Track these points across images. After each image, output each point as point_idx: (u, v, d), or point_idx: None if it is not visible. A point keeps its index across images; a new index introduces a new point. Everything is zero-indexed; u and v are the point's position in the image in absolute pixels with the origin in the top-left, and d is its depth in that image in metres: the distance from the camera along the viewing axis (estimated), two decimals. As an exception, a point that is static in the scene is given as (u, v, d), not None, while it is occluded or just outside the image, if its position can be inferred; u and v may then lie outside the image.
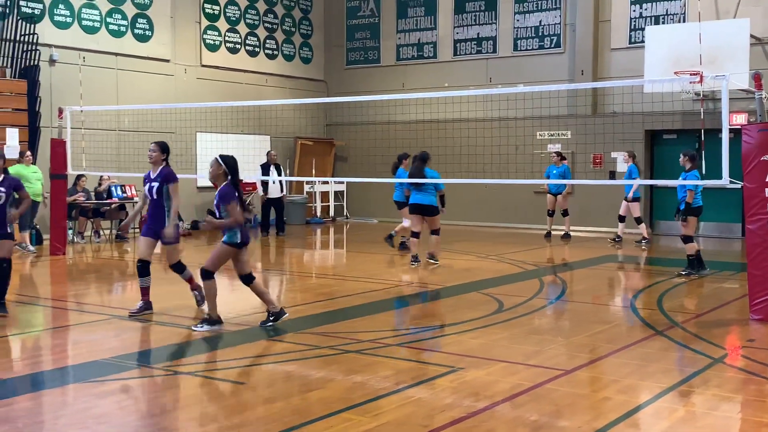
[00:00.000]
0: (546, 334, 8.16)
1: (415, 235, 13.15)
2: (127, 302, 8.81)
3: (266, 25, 21.86)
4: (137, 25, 18.60)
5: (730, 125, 9.29)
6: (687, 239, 11.92)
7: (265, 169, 17.98)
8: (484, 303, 9.89)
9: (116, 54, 18.11)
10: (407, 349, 7.31)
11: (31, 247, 14.51)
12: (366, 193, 22.21)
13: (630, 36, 19.03)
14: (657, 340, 7.80)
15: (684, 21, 17.88)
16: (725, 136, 9.09)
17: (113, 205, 16.67)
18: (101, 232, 16.82)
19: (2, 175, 8.39)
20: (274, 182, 17.96)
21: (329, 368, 6.64)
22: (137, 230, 15.12)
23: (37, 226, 15.49)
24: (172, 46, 19.37)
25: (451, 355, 7.18)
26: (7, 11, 16.10)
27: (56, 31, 17.02)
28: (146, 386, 6.30)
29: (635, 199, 16.00)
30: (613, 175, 18.88)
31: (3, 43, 16.12)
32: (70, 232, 15.80)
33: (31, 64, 16.06)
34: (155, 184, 8.63)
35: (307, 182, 21.48)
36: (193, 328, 7.95)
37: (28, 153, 14.82)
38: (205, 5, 20.20)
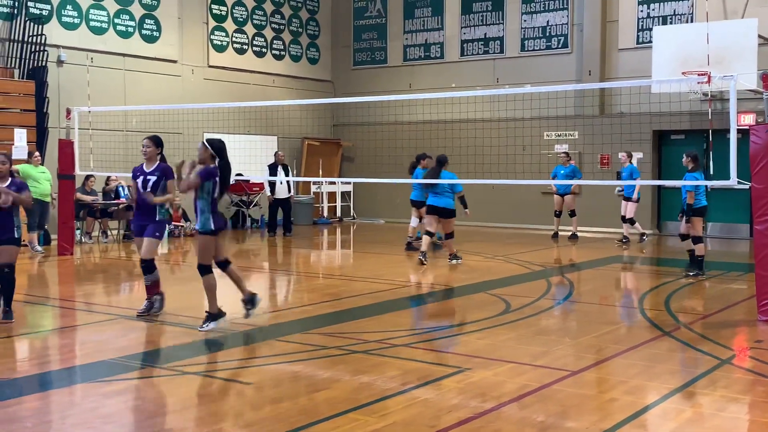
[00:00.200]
0: (553, 334, 8.15)
1: (429, 234, 13.28)
2: (134, 302, 8.83)
3: (273, 25, 21.89)
4: (145, 26, 18.65)
5: (738, 126, 9.26)
6: (696, 240, 11.87)
7: (272, 170, 17.99)
8: (491, 303, 9.88)
9: (124, 55, 18.16)
10: (414, 350, 7.30)
11: (39, 248, 14.55)
12: (373, 193, 22.22)
13: (637, 36, 18.99)
14: (664, 341, 7.78)
15: (692, 21, 17.83)
16: (733, 137, 9.07)
17: (121, 206, 16.71)
18: (109, 233, 16.86)
19: (9, 179, 8.28)
20: (281, 183, 17.97)
21: (336, 368, 6.64)
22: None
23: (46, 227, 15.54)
24: (180, 46, 19.41)
25: (457, 355, 7.18)
26: (15, 12, 16.16)
27: (64, 32, 17.07)
28: (153, 386, 6.31)
29: (635, 200, 15.97)
30: (620, 175, 18.82)
31: (11, 44, 16.18)
32: (77, 232, 15.85)
33: (39, 64, 16.11)
34: (152, 178, 8.55)
35: (314, 183, 21.50)
36: (199, 329, 7.96)
37: (37, 153, 14.87)
38: (213, 6, 20.23)
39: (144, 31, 18.63)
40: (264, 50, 21.60)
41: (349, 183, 22.35)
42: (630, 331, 8.36)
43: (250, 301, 8.28)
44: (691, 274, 11.76)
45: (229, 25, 20.65)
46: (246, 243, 17.51)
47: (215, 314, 8.05)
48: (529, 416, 5.44)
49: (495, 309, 9.44)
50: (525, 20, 20.52)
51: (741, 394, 6.03)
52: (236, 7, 20.84)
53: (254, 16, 21.35)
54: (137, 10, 18.49)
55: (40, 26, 16.14)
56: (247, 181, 19.13)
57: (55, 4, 16.94)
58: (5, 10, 16.14)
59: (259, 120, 20.40)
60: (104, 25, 17.84)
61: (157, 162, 8.75)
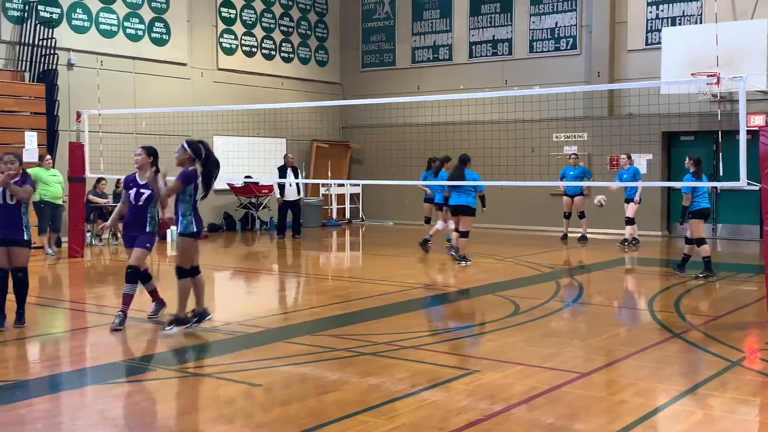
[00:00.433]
0: (562, 336, 8.14)
1: (463, 234, 13.45)
2: (144, 305, 8.85)
3: (282, 28, 21.94)
4: (154, 29, 18.71)
5: (747, 127, 9.25)
6: (699, 242, 11.84)
7: (282, 172, 18.02)
8: (500, 305, 9.88)
9: (133, 58, 18.23)
10: (423, 352, 7.31)
11: (50, 250, 14.61)
12: (381, 195, 22.23)
13: (646, 37, 18.96)
14: (674, 342, 7.77)
15: (701, 22, 17.79)
16: (743, 138, 9.05)
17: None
18: (119, 235, 16.89)
19: (19, 177, 8.13)
20: (291, 185, 18.00)
21: (345, 370, 6.65)
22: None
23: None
24: (189, 49, 19.47)
25: (467, 357, 7.18)
26: (26, 16, 16.25)
27: (74, 36, 17.15)
28: (163, 388, 6.33)
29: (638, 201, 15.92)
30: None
31: (22, 47, 16.27)
32: (88, 234, 15.91)
33: (50, 68, 16.18)
34: (145, 192, 8.30)
35: (323, 185, 21.52)
36: (162, 330, 7.91)
37: (48, 156, 14.92)
38: (222, 9, 20.29)
39: (153, 35, 18.70)
40: (273, 53, 21.65)
41: (357, 185, 22.38)
42: (640, 332, 8.34)
43: (200, 315, 8.11)
44: (701, 275, 11.73)
45: (238, 28, 20.70)
46: (255, 245, 17.55)
47: (182, 320, 7.97)
48: (539, 418, 5.44)
49: (504, 311, 9.43)
50: (533, 22, 20.51)
51: (751, 396, 6.01)
52: (245, 10, 20.90)
53: (263, 19, 21.40)
54: (147, 14, 18.56)
55: (51, 30, 16.21)
56: (257, 183, 19.17)
57: (65, 8, 17.03)
58: (16, 13, 16.23)
59: (268, 122, 20.44)
60: (114, 29, 17.92)
61: (151, 172, 8.40)
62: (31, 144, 15.44)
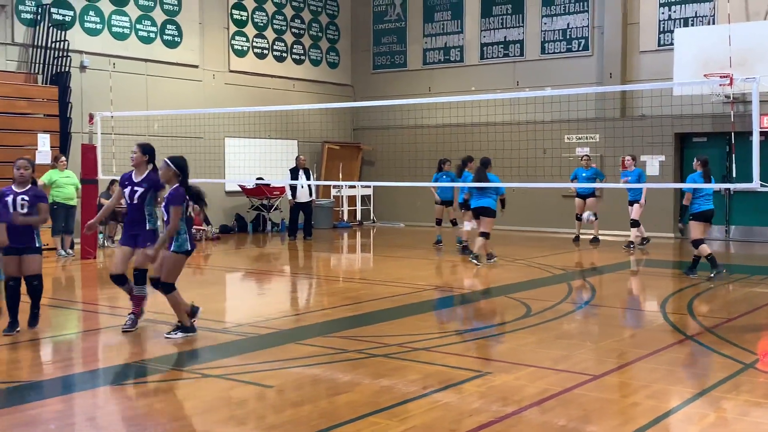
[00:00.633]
0: (574, 338, 8.11)
1: (485, 235, 13.53)
2: (157, 305, 8.87)
3: (293, 30, 21.97)
4: (166, 32, 18.78)
5: (760, 128, 9.21)
6: (695, 243, 11.87)
7: (294, 174, 18.05)
8: (512, 307, 9.86)
9: (146, 60, 18.30)
10: (435, 353, 7.30)
11: (62, 251, 14.68)
12: (393, 197, 22.23)
13: (659, 38, 18.89)
14: (687, 344, 7.74)
15: (713, 23, 17.73)
16: (756, 139, 9.01)
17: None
18: (114, 239, 16.91)
19: (29, 185, 8.06)
20: (303, 186, 18.03)
21: (356, 372, 6.66)
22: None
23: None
24: (201, 52, 19.53)
25: (478, 359, 7.17)
26: (39, 18, 16.33)
27: (87, 38, 17.23)
28: (175, 389, 6.35)
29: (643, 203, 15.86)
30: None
31: (35, 49, 16.35)
32: (100, 236, 15.97)
33: (62, 70, 16.26)
34: (139, 189, 8.15)
35: (334, 186, 21.54)
36: (166, 335, 7.84)
37: (63, 158, 14.96)
38: (233, 11, 20.35)
39: (166, 37, 18.76)
40: (284, 55, 21.68)
41: (369, 186, 22.38)
42: (652, 335, 8.30)
43: (179, 329, 7.93)
44: (712, 276, 11.67)
45: (250, 30, 20.75)
46: (266, 246, 17.58)
47: (187, 328, 7.92)
48: (551, 420, 5.42)
49: (516, 313, 9.42)
50: (545, 23, 20.47)
51: (764, 398, 5.98)
52: (256, 12, 20.94)
53: (274, 21, 21.44)
54: (159, 16, 18.63)
55: (63, 32, 16.29)
56: (268, 185, 19.20)
57: (78, 10, 17.11)
58: (29, 16, 16.31)
59: (279, 124, 20.47)
60: (126, 31, 17.99)
61: (147, 172, 8.34)
62: (44, 146, 15.52)
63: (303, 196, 18.24)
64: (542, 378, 6.44)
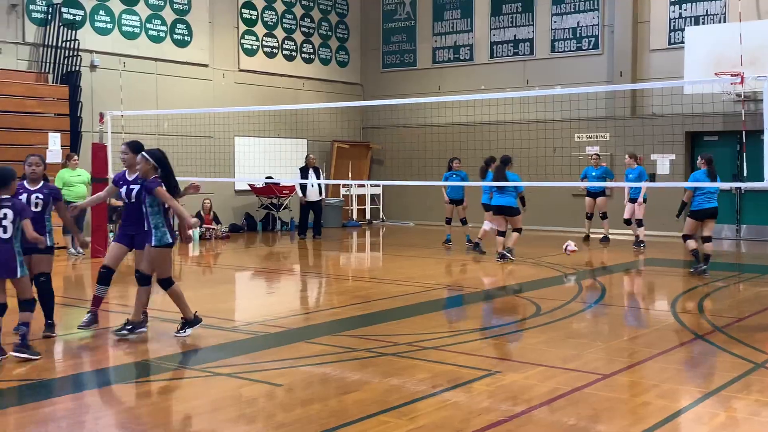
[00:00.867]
0: (584, 338, 8.09)
1: (501, 233, 13.79)
2: (166, 304, 8.88)
3: (303, 29, 21.99)
4: (176, 31, 18.82)
5: (772, 126, 9.15)
6: (684, 237, 12.19)
7: (304, 173, 18.08)
8: (521, 306, 9.85)
9: (156, 59, 18.35)
10: (444, 352, 7.29)
11: (72, 250, 14.73)
12: (402, 196, 22.23)
13: (669, 37, 18.82)
14: (697, 344, 7.71)
15: (724, 21, 17.66)
16: (767, 138, 8.96)
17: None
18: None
19: (42, 182, 7.93)
20: (312, 185, 18.05)
21: (366, 371, 6.66)
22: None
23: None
24: (211, 51, 19.56)
25: (488, 358, 7.16)
26: (50, 18, 16.40)
27: (97, 37, 17.29)
28: (185, 387, 6.36)
29: (643, 201, 15.81)
30: (653, 177, 18.68)
31: (45, 49, 16.42)
32: (111, 235, 16.00)
33: (73, 69, 16.32)
34: (135, 187, 7.96)
35: (344, 185, 21.55)
36: (175, 335, 7.83)
37: (75, 156, 14.98)
38: (243, 10, 20.38)
39: (175, 36, 18.80)
40: (294, 54, 21.70)
41: (378, 185, 22.39)
42: (662, 334, 8.27)
43: (135, 325, 7.86)
44: (691, 270, 12.03)
45: (260, 29, 20.77)
46: (276, 245, 17.60)
47: (192, 321, 7.91)
48: (560, 420, 5.41)
49: (525, 312, 9.40)
50: (555, 21, 20.43)
51: (776, 398, 5.95)
52: (266, 12, 20.97)
53: (284, 20, 21.46)
54: (169, 15, 18.67)
55: (74, 31, 16.35)
56: (277, 183, 19.23)
57: (89, 10, 17.17)
58: (39, 15, 16.38)
59: (289, 123, 20.50)
60: (136, 30, 18.04)
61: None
62: (55, 145, 15.58)
63: (313, 195, 18.26)
64: (552, 377, 6.43)
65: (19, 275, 7.07)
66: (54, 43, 16.35)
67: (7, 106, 15.39)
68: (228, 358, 7.21)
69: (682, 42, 17.50)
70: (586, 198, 17.16)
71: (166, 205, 7.77)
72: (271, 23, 21.10)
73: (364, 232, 20.58)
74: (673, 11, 18.79)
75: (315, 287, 12.14)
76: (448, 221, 16.41)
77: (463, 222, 16.25)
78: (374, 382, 6.28)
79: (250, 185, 19.63)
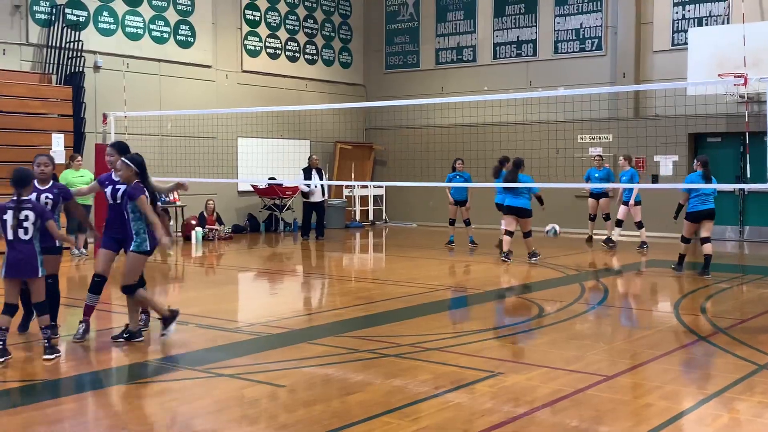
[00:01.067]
0: (587, 339, 8.09)
1: (509, 233, 13.87)
2: (170, 305, 8.89)
3: (306, 30, 22.00)
4: (179, 32, 18.84)
5: (775, 128, 9.15)
6: (684, 239, 12.40)
7: (307, 173, 18.10)
8: (524, 308, 9.84)
9: (159, 60, 18.37)
10: (447, 354, 7.29)
11: (76, 251, 14.74)
12: (405, 197, 22.23)
13: (673, 38, 18.81)
14: (700, 345, 7.70)
15: (728, 22, 17.64)
16: (771, 139, 8.96)
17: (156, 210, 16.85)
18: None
19: (51, 182, 7.92)
20: (316, 186, 18.06)
21: (369, 372, 6.66)
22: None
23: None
24: (214, 52, 19.58)
25: (490, 359, 7.16)
26: (53, 19, 16.42)
27: (100, 38, 17.31)
28: (188, 388, 6.37)
29: (637, 203, 15.78)
30: (656, 179, 18.67)
31: (49, 50, 16.44)
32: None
33: (76, 70, 16.35)
34: (122, 188, 7.83)
35: (347, 186, 21.56)
36: (160, 336, 7.76)
37: (79, 157, 14.99)
38: (246, 12, 20.39)
39: (179, 37, 18.83)
40: (297, 55, 21.72)
41: (381, 186, 22.40)
42: (665, 335, 8.27)
43: (133, 334, 7.79)
44: (672, 266, 12.40)
45: (263, 30, 20.79)
46: (279, 246, 17.61)
47: (169, 316, 7.79)
48: (563, 421, 5.41)
49: (528, 313, 9.40)
50: (558, 22, 20.42)
51: (779, 400, 5.95)
52: (269, 13, 20.98)
53: (287, 21, 21.48)
54: (172, 16, 18.69)
55: (77, 32, 16.37)
56: (280, 184, 19.24)
57: (92, 11, 17.19)
58: (43, 16, 16.40)
59: (292, 124, 20.51)
60: (140, 31, 18.06)
61: None
62: (58, 146, 15.60)
63: (316, 196, 18.28)
64: (555, 378, 6.43)
65: (40, 275, 7.17)
66: (57, 44, 16.37)
67: (11, 106, 15.42)
68: (231, 359, 7.22)
69: (686, 43, 17.49)
70: (589, 199, 17.13)
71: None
72: (274, 24, 21.12)
73: (367, 233, 20.58)
74: (677, 12, 18.78)
75: (318, 288, 12.14)
76: (452, 222, 16.41)
77: (467, 223, 16.26)
78: (377, 383, 6.28)
79: (253, 186, 19.64)
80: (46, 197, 7.75)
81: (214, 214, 18.21)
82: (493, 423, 5.33)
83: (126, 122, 15.54)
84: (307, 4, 22.01)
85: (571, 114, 17.62)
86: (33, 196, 7.57)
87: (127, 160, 7.71)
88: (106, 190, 8.03)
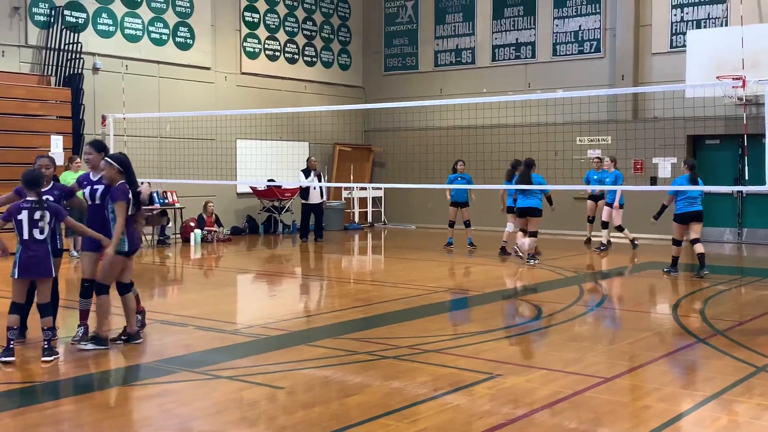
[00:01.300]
0: (585, 341, 8.09)
1: (534, 234, 13.94)
2: (168, 307, 8.90)
3: (305, 32, 22.01)
4: (179, 34, 18.85)
5: (773, 130, 9.16)
6: (675, 242, 12.52)
7: (306, 175, 18.10)
8: (523, 309, 9.85)
9: (158, 62, 18.37)
10: (445, 355, 7.30)
11: (75, 253, 14.73)
12: (404, 199, 22.23)
13: (671, 40, 18.83)
14: (699, 347, 7.70)
15: (726, 25, 17.67)
16: (769, 142, 8.98)
17: (155, 211, 16.88)
18: (143, 238, 17.00)
19: (52, 183, 7.87)
20: (314, 188, 18.07)
21: (367, 374, 6.66)
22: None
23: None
24: (213, 54, 19.59)
25: (489, 361, 7.16)
26: (52, 20, 16.42)
27: (100, 40, 17.31)
28: (187, 390, 6.37)
29: (621, 206, 15.81)
30: (654, 180, 18.68)
31: (48, 51, 16.44)
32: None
33: (75, 72, 16.34)
34: (100, 187, 7.66)
35: (346, 188, 21.56)
36: (76, 343, 7.56)
37: (78, 159, 14.98)
38: (245, 13, 20.40)
39: (178, 39, 18.83)
40: (296, 57, 21.72)
41: (380, 188, 22.40)
42: (664, 337, 8.28)
43: (132, 336, 7.73)
44: (665, 270, 12.48)
45: (262, 32, 20.80)
46: (278, 248, 17.61)
47: (101, 339, 7.49)
48: (562, 423, 5.41)
49: (527, 315, 9.39)
50: (557, 25, 20.44)
51: (777, 402, 5.95)
52: (268, 15, 20.99)
53: (286, 23, 21.49)
54: (171, 18, 18.69)
55: (76, 34, 16.37)
56: (279, 186, 19.25)
57: (91, 13, 17.19)
58: (42, 18, 16.40)
59: (290, 126, 20.52)
60: (139, 33, 18.06)
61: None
62: (57, 148, 15.59)
63: (314, 198, 18.29)
64: (553, 380, 6.43)
65: (53, 275, 7.27)
66: (56, 46, 16.37)
67: (10, 108, 15.41)
68: (229, 360, 7.22)
69: (684, 45, 17.50)
70: (588, 201, 17.15)
71: (130, 212, 7.54)
72: (274, 26, 21.13)
73: (366, 235, 20.58)
74: (675, 15, 18.80)
75: (316, 290, 12.14)
76: (452, 224, 16.41)
77: (467, 224, 16.27)
78: (376, 385, 6.28)
79: (251, 188, 19.64)
80: (48, 198, 7.73)
81: (213, 215, 18.21)
82: (492, 425, 5.33)
83: (125, 124, 15.55)
84: (306, 6, 22.03)
85: (569, 116, 17.61)
86: None
87: (110, 159, 7.60)
88: (84, 190, 7.86)
